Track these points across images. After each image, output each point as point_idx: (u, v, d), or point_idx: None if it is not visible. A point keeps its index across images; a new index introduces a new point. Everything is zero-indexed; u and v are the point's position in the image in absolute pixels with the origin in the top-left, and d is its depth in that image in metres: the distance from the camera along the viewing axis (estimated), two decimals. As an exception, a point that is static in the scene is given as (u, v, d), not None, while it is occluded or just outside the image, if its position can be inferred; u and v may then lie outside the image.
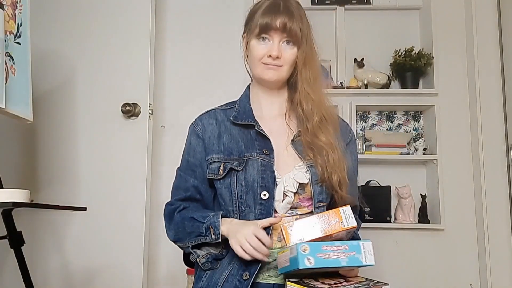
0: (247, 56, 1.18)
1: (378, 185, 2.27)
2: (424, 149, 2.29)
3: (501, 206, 2.17)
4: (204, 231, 1.07)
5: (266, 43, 1.11)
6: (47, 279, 1.94)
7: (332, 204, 1.14)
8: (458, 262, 2.21)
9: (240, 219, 1.09)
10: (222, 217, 1.08)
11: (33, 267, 1.64)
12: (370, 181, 2.28)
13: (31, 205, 1.54)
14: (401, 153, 2.26)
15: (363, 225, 2.17)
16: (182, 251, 1.33)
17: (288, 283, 0.92)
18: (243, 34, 1.19)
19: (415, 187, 2.26)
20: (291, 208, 1.10)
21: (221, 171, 1.11)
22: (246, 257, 0.99)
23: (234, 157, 1.11)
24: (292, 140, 1.14)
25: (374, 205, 2.22)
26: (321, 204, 1.11)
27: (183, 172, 1.19)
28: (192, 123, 1.22)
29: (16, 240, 1.53)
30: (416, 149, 2.31)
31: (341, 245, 0.89)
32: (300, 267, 0.87)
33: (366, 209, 2.22)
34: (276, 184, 1.08)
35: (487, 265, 2.13)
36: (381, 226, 2.21)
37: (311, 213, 1.10)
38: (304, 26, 1.12)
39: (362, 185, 2.25)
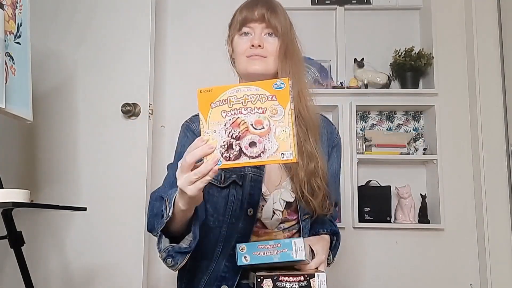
0: (232, 56, 1.17)
1: (378, 185, 2.27)
2: (424, 149, 2.28)
3: (501, 206, 2.17)
4: (163, 209, 0.93)
5: (248, 37, 1.10)
6: (47, 279, 1.94)
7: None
8: (458, 262, 2.21)
9: (227, 230, 1.08)
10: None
11: (33, 267, 1.64)
12: (370, 181, 2.28)
13: (31, 205, 1.54)
14: (401, 153, 2.26)
15: (364, 225, 2.19)
16: None
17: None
18: (227, 38, 1.19)
19: (415, 187, 2.26)
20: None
21: (222, 179, 1.07)
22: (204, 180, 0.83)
23: None
24: None
25: (374, 205, 2.22)
26: (306, 216, 1.13)
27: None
28: (187, 121, 1.19)
29: (16, 240, 1.53)
30: (416, 149, 2.31)
31: (275, 244, 0.97)
32: (239, 264, 0.98)
33: (366, 209, 2.22)
34: (266, 201, 1.08)
35: (487, 265, 2.13)
36: (381, 226, 2.21)
37: (298, 224, 1.12)
38: (285, 20, 1.10)
39: (362, 185, 2.26)
